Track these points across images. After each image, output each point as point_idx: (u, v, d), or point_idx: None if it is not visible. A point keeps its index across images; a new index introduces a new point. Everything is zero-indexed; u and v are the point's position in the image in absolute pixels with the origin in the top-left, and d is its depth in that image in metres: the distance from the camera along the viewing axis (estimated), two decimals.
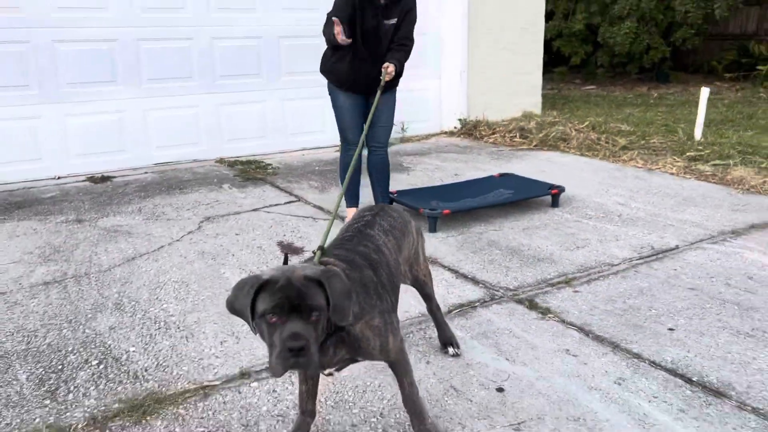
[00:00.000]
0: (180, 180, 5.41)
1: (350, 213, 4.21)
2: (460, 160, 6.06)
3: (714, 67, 13.40)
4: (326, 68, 4.06)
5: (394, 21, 3.82)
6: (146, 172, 5.71)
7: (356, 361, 1.90)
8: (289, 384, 2.34)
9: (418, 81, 7.20)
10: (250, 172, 5.66)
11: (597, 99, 10.39)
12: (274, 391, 2.32)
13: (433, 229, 4.01)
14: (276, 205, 4.67)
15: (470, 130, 7.27)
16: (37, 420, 2.17)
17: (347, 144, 4.16)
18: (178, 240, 3.93)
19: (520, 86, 7.80)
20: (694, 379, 2.35)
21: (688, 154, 5.85)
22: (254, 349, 2.59)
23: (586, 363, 2.48)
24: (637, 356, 2.52)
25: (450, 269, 3.42)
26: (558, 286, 3.20)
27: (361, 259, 1.98)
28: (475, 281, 3.27)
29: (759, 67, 12.04)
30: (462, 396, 2.27)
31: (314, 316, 1.61)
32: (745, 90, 11.26)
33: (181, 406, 2.23)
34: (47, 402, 2.27)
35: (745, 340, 2.62)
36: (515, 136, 6.82)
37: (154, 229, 4.13)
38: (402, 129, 7.13)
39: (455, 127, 7.44)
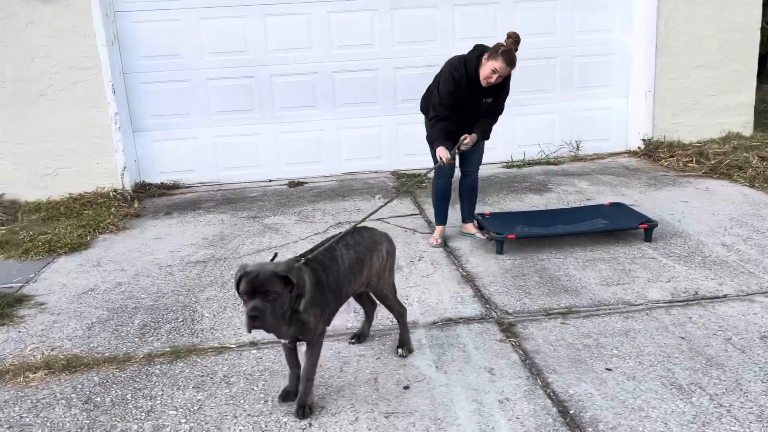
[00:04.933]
0: (350, 189, 6.57)
1: (438, 229, 4.84)
2: (609, 184, 6.11)
3: None
4: (429, 116, 4.61)
5: (491, 99, 4.44)
6: (332, 180, 7.01)
7: (300, 339, 2.72)
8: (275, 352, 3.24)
9: (599, 100, 7.30)
10: (405, 184, 6.56)
11: None
12: (261, 358, 3.24)
13: (499, 251, 4.46)
14: (399, 216, 5.51)
15: (651, 151, 7.08)
16: (127, 350, 3.44)
17: (439, 173, 4.68)
18: (303, 239, 5.04)
19: (722, 105, 7.26)
20: (570, 412, 2.63)
21: None
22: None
23: (494, 381, 2.89)
24: (546, 386, 2.84)
25: (475, 288, 3.91)
26: (553, 316, 3.50)
27: (317, 264, 2.77)
28: (483, 301, 3.73)
29: None
30: (373, 386, 2.92)
31: (272, 296, 2.44)
32: None
33: (200, 356, 3.30)
34: (136, 340, 3.53)
35: (663, 401, 2.73)
36: (691, 161, 6.50)
37: (295, 229, 5.32)
38: (575, 148, 7.30)
39: (639, 148, 7.30)
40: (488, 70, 4.22)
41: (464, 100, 4.39)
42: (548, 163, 7.13)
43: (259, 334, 3.39)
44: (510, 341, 3.25)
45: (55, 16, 6.27)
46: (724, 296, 3.62)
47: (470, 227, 4.91)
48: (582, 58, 7.25)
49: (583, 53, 7.24)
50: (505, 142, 7.25)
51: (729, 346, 3.07)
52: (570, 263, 4.24)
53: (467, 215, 4.93)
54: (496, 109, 4.54)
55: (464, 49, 7.20)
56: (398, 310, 3.20)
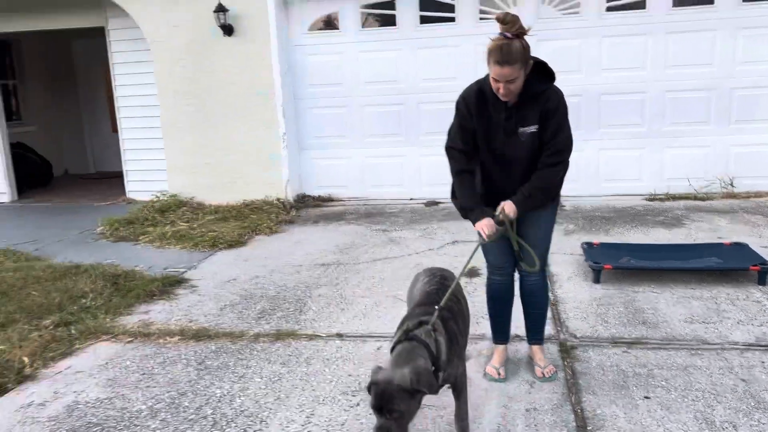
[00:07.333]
0: None
1: (497, 351, 3.41)
2: (752, 224, 5.78)
3: None
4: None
5: (533, 129, 2.96)
6: None
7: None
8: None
9: (762, 135, 6.89)
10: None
11: None
12: (341, 348, 3.77)
13: (596, 280, 4.55)
14: None
15: None
16: (243, 328, 4.16)
17: (491, 268, 3.36)
18: (417, 253, 5.51)
19: None
20: (588, 428, 2.80)
21: None
22: (359, 327, 4.06)
23: (530, 393, 3.12)
24: (578, 404, 3.01)
25: (555, 311, 4.08)
26: (618, 344, 3.59)
27: (448, 313, 2.68)
28: (557, 323, 3.91)
29: None
30: None
31: (396, 414, 2.27)
32: None
33: (295, 340, 3.91)
34: (252, 322, 4.25)
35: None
36: None
37: (414, 243, 5.80)
38: (728, 184, 6.93)
39: None
40: (491, 79, 2.86)
41: (492, 134, 3.00)
42: (695, 198, 6.86)
43: (346, 328, 3.95)
44: (564, 361, 3.43)
45: (242, 50, 7.45)
46: None
47: (536, 352, 3.36)
48: (742, 90, 6.89)
49: (744, 85, 6.88)
50: (650, 174, 7.14)
51: None
52: (663, 298, 4.22)
53: (531, 335, 3.40)
54: (555, 154, 2.96)
55: (613, 79, 7.19)
56: None
